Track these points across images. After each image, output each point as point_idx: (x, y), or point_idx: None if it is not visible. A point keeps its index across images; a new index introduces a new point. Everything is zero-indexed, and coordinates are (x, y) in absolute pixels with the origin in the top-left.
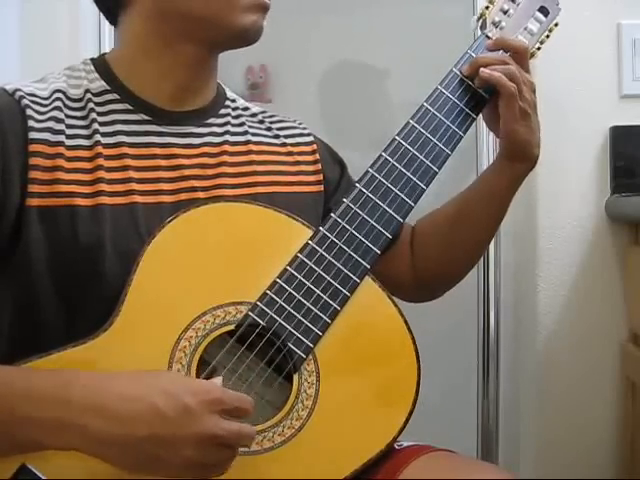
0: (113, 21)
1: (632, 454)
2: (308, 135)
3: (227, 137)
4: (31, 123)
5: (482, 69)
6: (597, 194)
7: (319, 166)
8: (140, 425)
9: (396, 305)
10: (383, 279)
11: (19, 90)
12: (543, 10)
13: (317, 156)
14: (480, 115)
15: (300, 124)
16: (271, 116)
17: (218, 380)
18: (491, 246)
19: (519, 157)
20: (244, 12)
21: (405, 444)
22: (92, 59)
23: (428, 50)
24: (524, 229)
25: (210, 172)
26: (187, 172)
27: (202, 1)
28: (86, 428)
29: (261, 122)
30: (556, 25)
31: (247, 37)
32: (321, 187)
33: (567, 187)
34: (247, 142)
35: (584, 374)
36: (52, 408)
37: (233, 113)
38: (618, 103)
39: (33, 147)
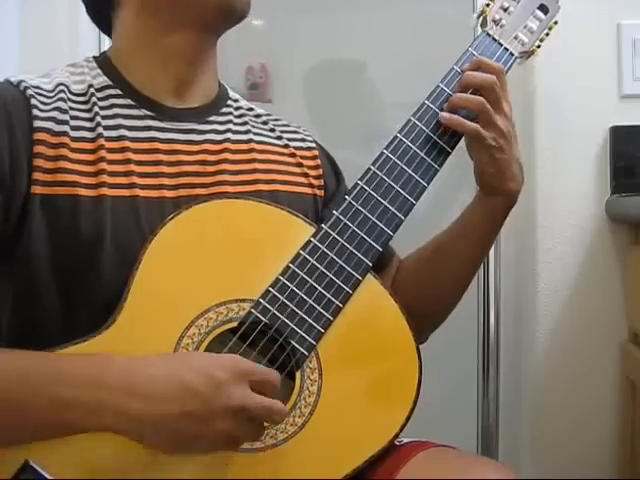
0: (109, 32)
1: (632, 454)
2: (311, 141)
3: (229, 135)
4: (35, 112)
5: (441, 114)
6: (597, 194)
7: (320, 171)
8: (173, 403)
9: (397, 302)
10: None
11: (23, 81)
12: (543, 8)
13: (318, 162)
14: None
15: (304, 130)
16: (275, 119)
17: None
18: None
19: (492, 192)
20: None
21: (406, 440)
22: (94, 56)
23: (427, 49)
24: (524, 229)
25: (211, 169)
26: (187, 168)
27: None
28: (120, 408)
29: (265, 123)
30: (556, 23)
31: (232, 12)
32: (322, 192)
33: (567, 187)
34: (249, 141)
35: (584, 374)
36: (88, 390)
37: (236, 112)
38: (618, 103)
39: (37, 135)
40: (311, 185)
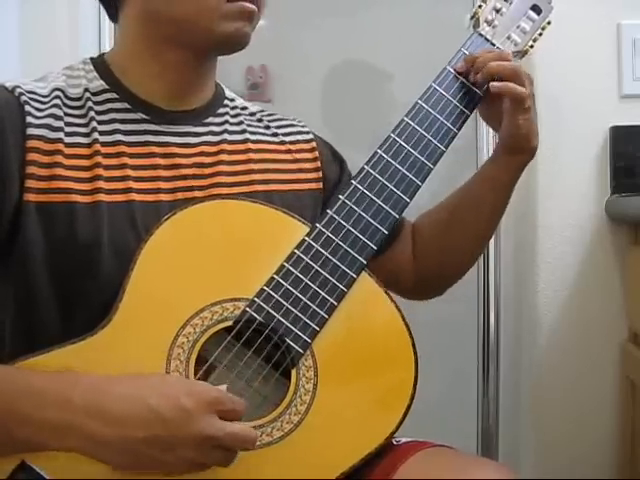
0: (114, 18)
1: (632, 454)
2: (307, 133)
3: (225, 136)
4: (29, 119)
5: (492, 84)
6: (597, 194)
7: (318, 164)
8: (137, 426)
9: (393, 300)
10: (385, 276)
11: (18, 87)
12: (535, 8)
13: (316, 154)
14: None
15: (299, 122)
16: (269, 115)
17: (223, 387)
18: (491, 246)
19: (521, 150)
20: (226, 19)
21: (403, 440)
22: (91, 58)
23: (428, 50)
24: (524, 229)
25: (207, 171)
26: (184, 171)
27: (183, 6)
28: (84, 429)
29: (259, 121)
30: (549, 23)
31: (230, 44)
32: (320, 185)
33: (567, 187)
34: (245, 141)
35: (584, 374)
36: (52, 408)
37: (232, 112)
38: (618, 103)
39: (31, 143)
40: (307, 180)
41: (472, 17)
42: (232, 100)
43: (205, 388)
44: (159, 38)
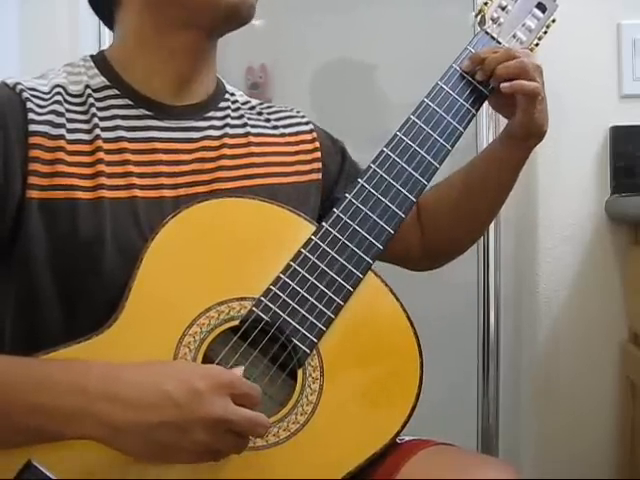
0: (110, 25)
1: (632, 454)
2: (307, 124)
3: (227, 130)
4: (31, 116)
5: (503, 85)
6: (597, 194)
7: (318, 154)
8: (152, 411)
9: (399, 300)
10: (395, 254)
11: (20, 84)
12: (540, 6)
13: (316, 144)
14: (480, 111)
15: (298, 112)
16: (269, 107)
17: (239, 370)
18: (491, 246)
19: (531, 136)
20: None
21: (407, 439)
22: (92, 55)
23: (427, 49)
24: (524, 229)
25: (209, 166)
26: (187, 167)
27: None
28: (100, 416)
29: (259, 114)
30: (553, 21)
31: (238, 15)
32: (319, 175)
33: (567, 187)
34: (246, 134)
35: (584, 374)
36: (67, 397)
37: (232, 106)
38: (618, 103)
39: (33, 139)
40: (308, 171)
41: (477, 15)
42: (232, 94)
43: (220, 371)
44: (164, 23)
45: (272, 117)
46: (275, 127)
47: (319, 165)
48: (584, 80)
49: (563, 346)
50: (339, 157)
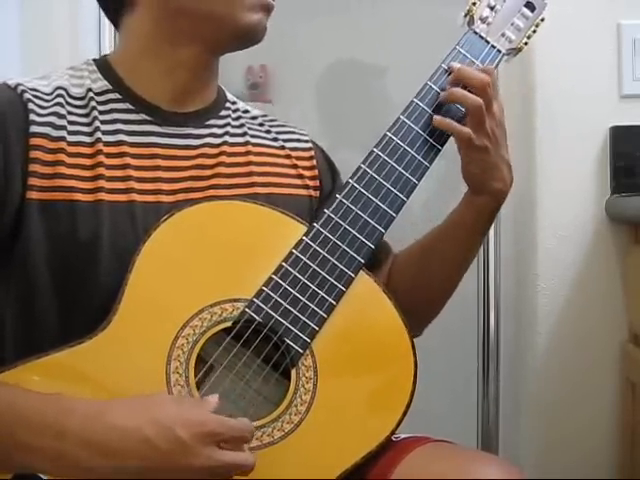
0: (116, 22)
1: (632, 454)
2: (307, 142)
3: (226, 138)
4: (32, 117)
5: (435, 117)
6: (597, 194)
7: (316, 172)
8: (131, 458)
9: (391, 299)
10: None
11: (21, 85)
12: (529, 5)
13: (314, 162)
14: None
15: (300, 130)
16: (271, 120)
17: (213, 399)
18: (491, 246)
19: (478, 191)
20: (249, 11)
21: (403, 436)
22: (94, 59)
23: (428, 50)
24: (524, 229)
25: (207, 173)
26: (185, 173)
27: (211, 0)
28: (79, 460)
29: (261, 125)
30: (542, 20)
31: (252, 36)
32: (317, 193)
33: (567, 187)
34: (246, 143)
35: (584, 374)
36: (48, 437)
37: (233, 115)
38: (618, 103)
39: (34, 141)
40: (306, 186)
41: (466, 15)
42: (234, 103)
43: (202, 419)
44: (174, 34)
45: (273, 130)
46: (275, 139)
47: (317, 183)
48: (584, 80)
49: (563, 346)
50: (331, 180)
